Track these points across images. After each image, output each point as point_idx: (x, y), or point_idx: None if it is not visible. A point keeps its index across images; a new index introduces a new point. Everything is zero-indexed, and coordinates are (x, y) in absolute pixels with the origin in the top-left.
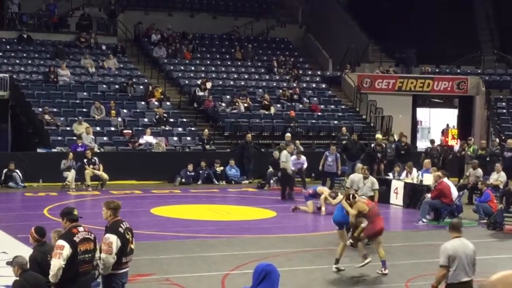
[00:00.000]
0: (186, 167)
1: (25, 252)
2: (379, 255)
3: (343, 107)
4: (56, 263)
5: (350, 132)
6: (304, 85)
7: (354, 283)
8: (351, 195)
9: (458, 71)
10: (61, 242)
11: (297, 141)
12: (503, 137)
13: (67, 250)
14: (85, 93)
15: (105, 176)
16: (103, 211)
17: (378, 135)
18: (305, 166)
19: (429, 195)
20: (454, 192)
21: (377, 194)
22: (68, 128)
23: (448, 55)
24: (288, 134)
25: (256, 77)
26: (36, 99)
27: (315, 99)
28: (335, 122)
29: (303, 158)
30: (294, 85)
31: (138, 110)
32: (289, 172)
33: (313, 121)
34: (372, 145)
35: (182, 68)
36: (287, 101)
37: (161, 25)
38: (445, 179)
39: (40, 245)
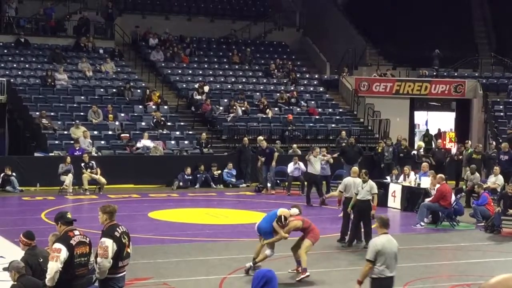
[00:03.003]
0: (184, 170)
1: None
2: (302, 257)
3: (340, 110)
4: (54, 266)
5: (347, 135)
6: (302, 88)
7: (351, 287)
8: (282, 217)
9: (456, 74)
10: (58, 245)
11: (295, 145)
12: (500, 140)
13: (64, 253)
14: (82, 97)
15: (103, 180)
16: (99, 216)
17: (420, 143)
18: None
19: (428, 199)
20: (452, 196)
21: (376, 198)
22: (65, 132)
23: (445, 58)
24: (260, 137)
25: (254, 80)
26: (34, 103)
27: (312, 102)
28: (333, 125)
29: (300, 163)
30: (292, 88)
31: (135, 114)
32: (315, 174)
33: (311, 124)
34: (414, 152)
35: (180, 71)
36: (284, 105)
37: (158, 29)
38: None
39: (31, 249)
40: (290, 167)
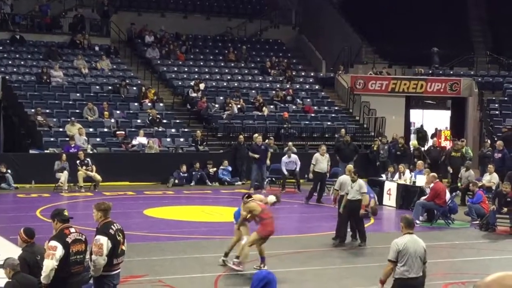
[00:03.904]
0: (179, 168)
1: (18, 253)
2: (260, 252)
3: (336, 108)
4: (49, 264)
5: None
6: (297, 86)
7: (345, 285)
8: (245, 196)
9: (451, 72)
10: (53, 243)
11: (290, 143)
12: (496, 139)
13: (59, 250)
14: (78, 94)
15: (98, 177)
16: (93, 213)
17: (414, 142)
18: (298, 165)
19: (423, 197)
20: (447, 194)
21: (366, 198)
22: (60, 129)
23: (441, 56)
24: (256, 135)
25: (250, 78)
26: (29, 100)
27: (308, 100)
28: (328, 123)
29: (294, 156)
30: (287, 86)
31: (131, 111)
32: (321, 172)
33: (306, 122)
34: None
35: (176, 69)
36: (280, 102)
37: (154, 26)
38: None
39: (29, 246)
40: (283, 161)
